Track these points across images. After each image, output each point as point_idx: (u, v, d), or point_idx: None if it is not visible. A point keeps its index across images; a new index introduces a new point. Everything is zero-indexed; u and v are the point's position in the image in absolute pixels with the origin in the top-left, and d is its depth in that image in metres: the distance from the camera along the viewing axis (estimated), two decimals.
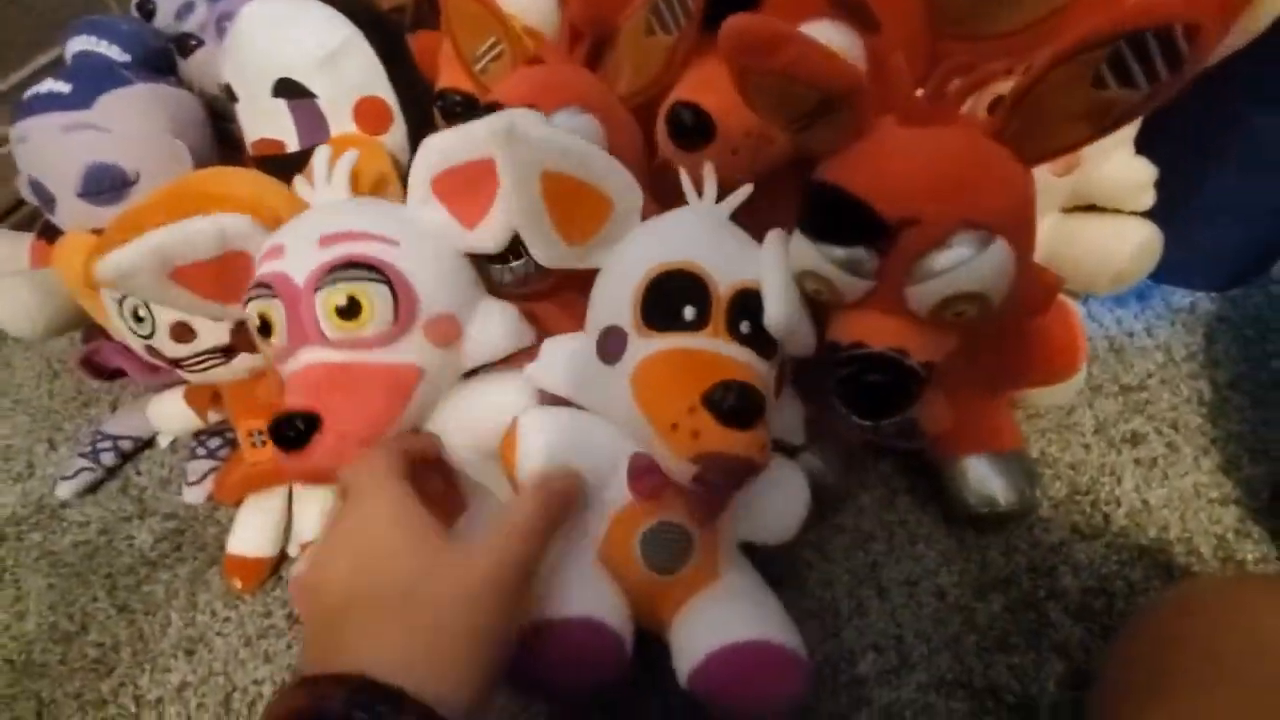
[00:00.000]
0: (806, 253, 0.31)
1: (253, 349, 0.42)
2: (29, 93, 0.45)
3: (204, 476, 0.49)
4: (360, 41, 0.44)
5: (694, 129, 0.38)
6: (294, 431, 0.31)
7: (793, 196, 0.38)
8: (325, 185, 0.38)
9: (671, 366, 0.31)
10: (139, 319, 0.42)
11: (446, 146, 0.36)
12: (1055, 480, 0.43)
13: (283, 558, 0.46)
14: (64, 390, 0.60)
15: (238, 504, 0.47)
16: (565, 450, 0.34)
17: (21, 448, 0.56)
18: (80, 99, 0.45)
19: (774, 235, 0.35)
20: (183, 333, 0.41)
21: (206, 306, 0.36)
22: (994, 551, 0.41)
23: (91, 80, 0.45)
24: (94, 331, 0.52)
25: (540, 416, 0.35)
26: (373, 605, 0.25)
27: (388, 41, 0.45)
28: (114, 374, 0.50)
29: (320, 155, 0.39)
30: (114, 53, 0.49)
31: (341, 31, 0.43)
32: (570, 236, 0.34)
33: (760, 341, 0.32)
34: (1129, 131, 0.39)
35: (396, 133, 0.46)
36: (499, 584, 0.27)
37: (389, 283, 0.33)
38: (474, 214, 0.36)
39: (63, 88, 0.45)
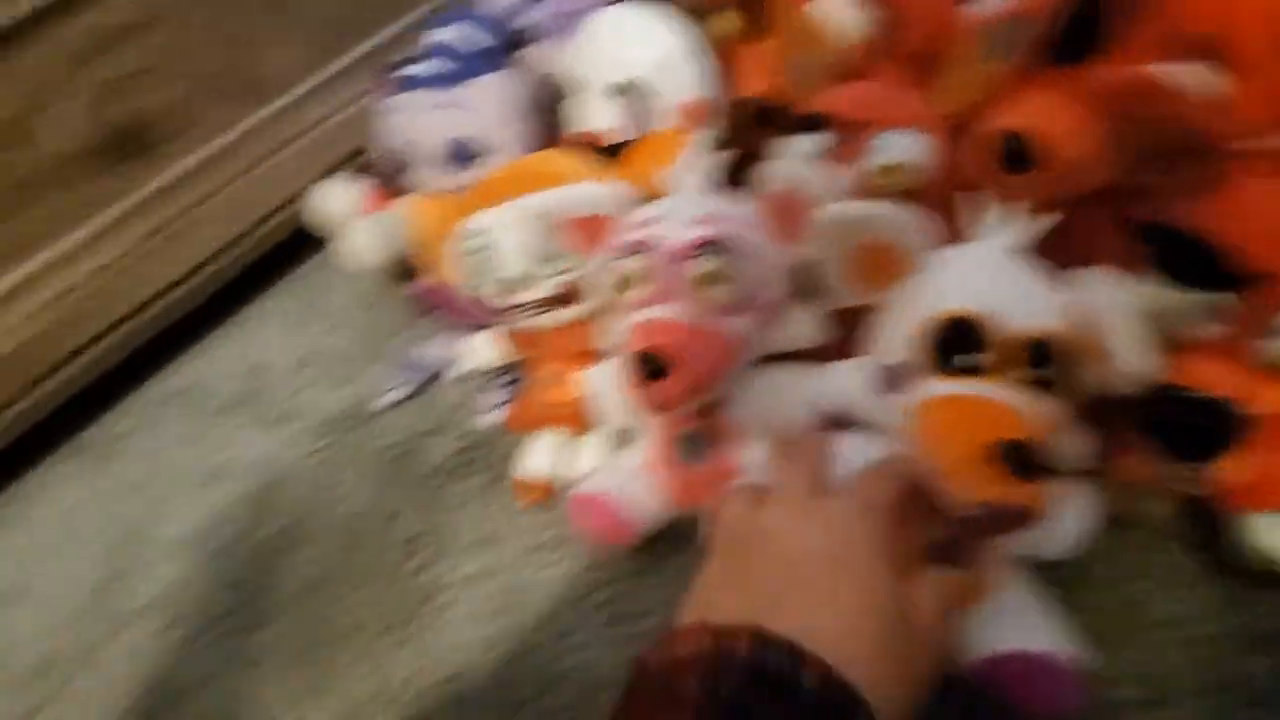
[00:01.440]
0: (1163, 296, 0.32)
1: (575, 302, 0.49)
2: (409, 69, 0.55)
3: (497, 406, 0.58)
4: (695, 46, 0.49)
5: (1021, 157, 0.40)
6: (655, 366, 0.38)
7: (1094, 228, 0.40)
8: (692, 174, 0.44)
9: (954, 413, 0.33)
10: (485, 269, 0.50)
11: (784, 175, 0.41)
12: None
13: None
14: (379, 317, 0.71)
15: (527, 432, 0.55)
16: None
17: (343, 360, 0.69)
18: (453, 80, 0.54)
19: (1102, 276, 0.36)
20: (521, 285, 0.49)
21: (574, 253, 0.44)
22: (1266, 606, 0.40)
23: (466, 64, 0.54)
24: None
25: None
26: (826, 588, 0.27)
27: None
28: (437, 307, 0.61)
29: (691, 146, 0.45)
30: (482, 38, 0.57)
31: (681, 37, 0.49)
32: (870, 284, 0.38)
33: (1050, 384, 0.33)
34: None
35: (710, 130, 0.51)
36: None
37: (745, 261, 0.39)
38: (787, 235, 0.41)
39: (440, 68, 0.54)
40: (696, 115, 0.50)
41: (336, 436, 0.63)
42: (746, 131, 0.51)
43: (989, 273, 0.36)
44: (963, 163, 0.43)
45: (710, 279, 0.39)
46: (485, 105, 0.54)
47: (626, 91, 0.50)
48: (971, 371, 0.34)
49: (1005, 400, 0.33)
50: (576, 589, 0.49)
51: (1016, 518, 0.33)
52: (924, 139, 0.42)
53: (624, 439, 0.50)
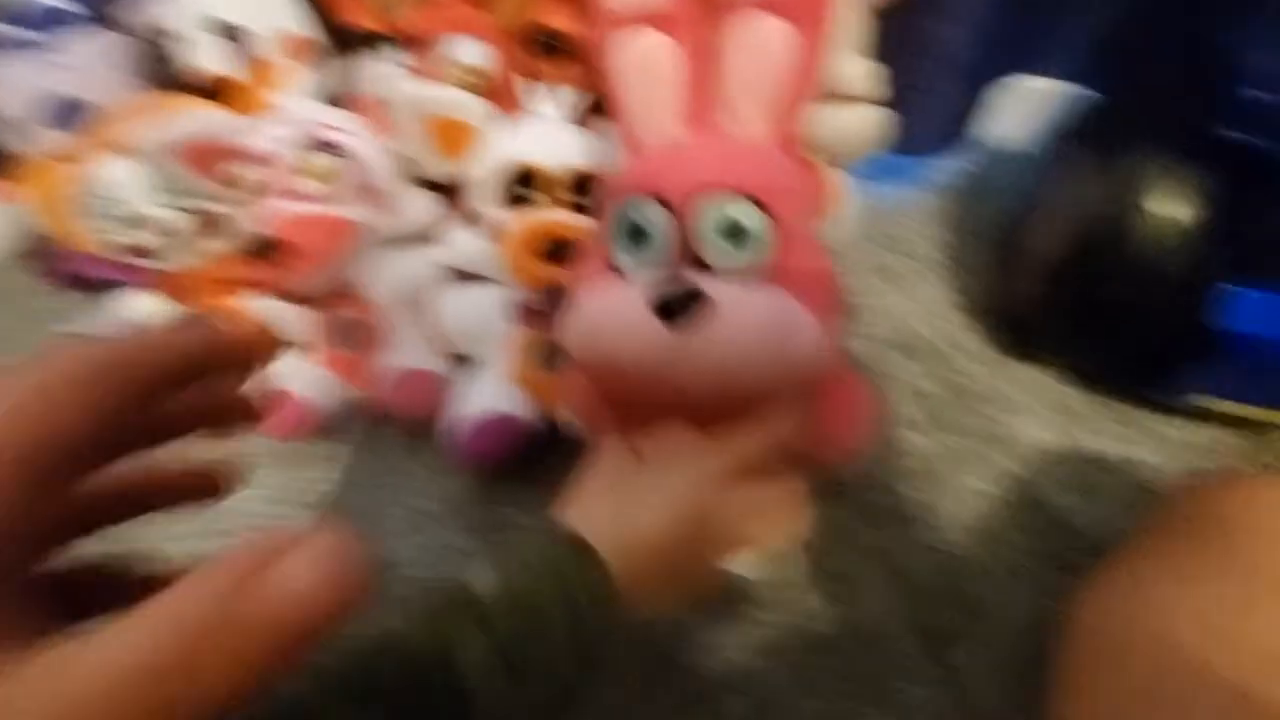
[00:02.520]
0: None
1: (213, 233, 0.52)
2: None
3: None
4: None
5: (551, 45, 0.51)
6: (271, 249, 0.45)
7: None
8: (297, 93, 0.50)
9: (520, 233, 0.44)
10: (108, 216, 0.51)
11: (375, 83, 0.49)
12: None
13: None
14: (25, 308, 0.67)
15: None
16: (472, 313, 0.49)
17: None
18: (45, 35, 0.53)
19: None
20: (148, 224, 0.51)
21: (198, 182, 0.48)
22: None
23: (57, 18, 0.54)
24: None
25: (451, 296, 0.49)
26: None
27: None
28: (84, 279, 0.59)
29: (296, 71, 0.51)
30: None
31: None
32: (453, 156, 0.47)
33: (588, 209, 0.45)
34: (857, 35, 0.55)
35: (317, 63, 0.57)
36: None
37: (349, 159, 0.46)
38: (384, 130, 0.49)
39: (28, 26, 0.53)
40: (298, 50, 0.55)
41: None
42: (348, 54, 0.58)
43: (540, 133, 0.47)
44: (519, 59, 0.54)
45: (319, 175, 0.46)
46: (85, 60, 0.54)
47: (226, 33, 0.53)
48: (536, 204, 0.45)
49: (557, 217, 0.45)
50: (289, 491, 0.53)
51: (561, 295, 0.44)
52: (484, 45, 0.51)
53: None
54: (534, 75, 0.52)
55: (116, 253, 0.53)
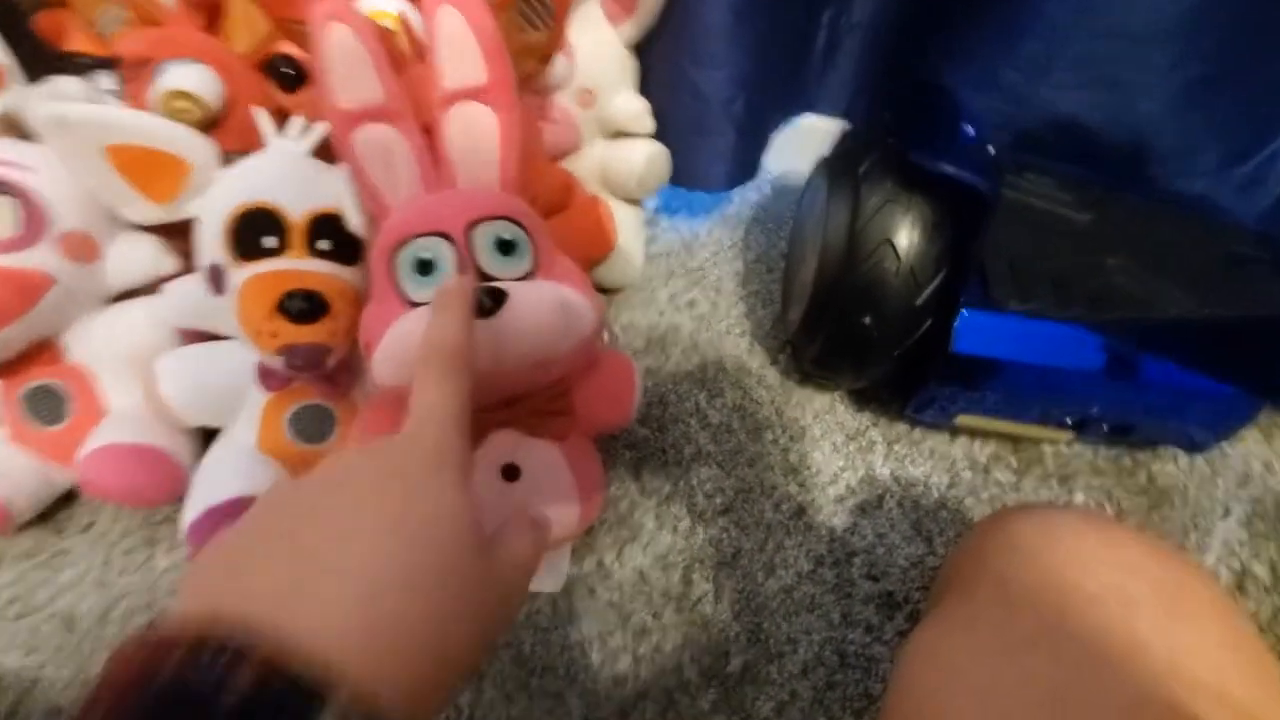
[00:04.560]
0: None
1: None
2: None
3: None
4: None
5: (292, 77, 0.47)
6: None
7: None
8: None
9: (255, 287, 0.39)
10: None
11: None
12: (639, 338, 0.59)
13: None
14: None
15: None
16: (202, 378, 0.42)
17: None
18: None
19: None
20: None
21: None
22: None
23: None
24: None
25: (171, 360, 0.42)
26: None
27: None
28: None
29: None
30: None
31: None
32: (156, 197, 0.41)
33: (342, 254, 0.41)
34: (624, 74, 0.55)
35: (14, 90, 0.49)
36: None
37: (15, 196, 0.39)
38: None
39: None
40: None
41: None
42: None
43: (275, 170, 0.42)
44: (258, 91, 0.49)
45: None
46: None
47: None
48: (272, 253, 0.40)
49: (295, 267, 0.40)
50: None
51: (314, 352, 0.39)
52: (205, 69, 0.46)
53: None
54: (273, 107, 0.47)
55: None
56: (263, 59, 0.48)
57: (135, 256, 0.44)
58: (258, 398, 0.42)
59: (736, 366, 0.58)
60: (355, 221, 0.42)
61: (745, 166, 0.63)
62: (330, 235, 0.41)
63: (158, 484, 0.42)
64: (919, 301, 0.45)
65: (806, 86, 0.64)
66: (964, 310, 0.44)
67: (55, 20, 0.52)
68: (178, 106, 0.45)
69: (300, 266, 0.40)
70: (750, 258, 0.66)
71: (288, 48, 0.47)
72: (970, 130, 0.46)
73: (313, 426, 0.43)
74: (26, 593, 0.44)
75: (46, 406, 0.43)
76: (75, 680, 0.40)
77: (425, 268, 0.36)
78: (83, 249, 0.42)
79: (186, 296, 0.42)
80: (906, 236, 0.45)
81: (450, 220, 0.36)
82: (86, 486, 0.40)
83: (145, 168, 0.40)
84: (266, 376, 0.42)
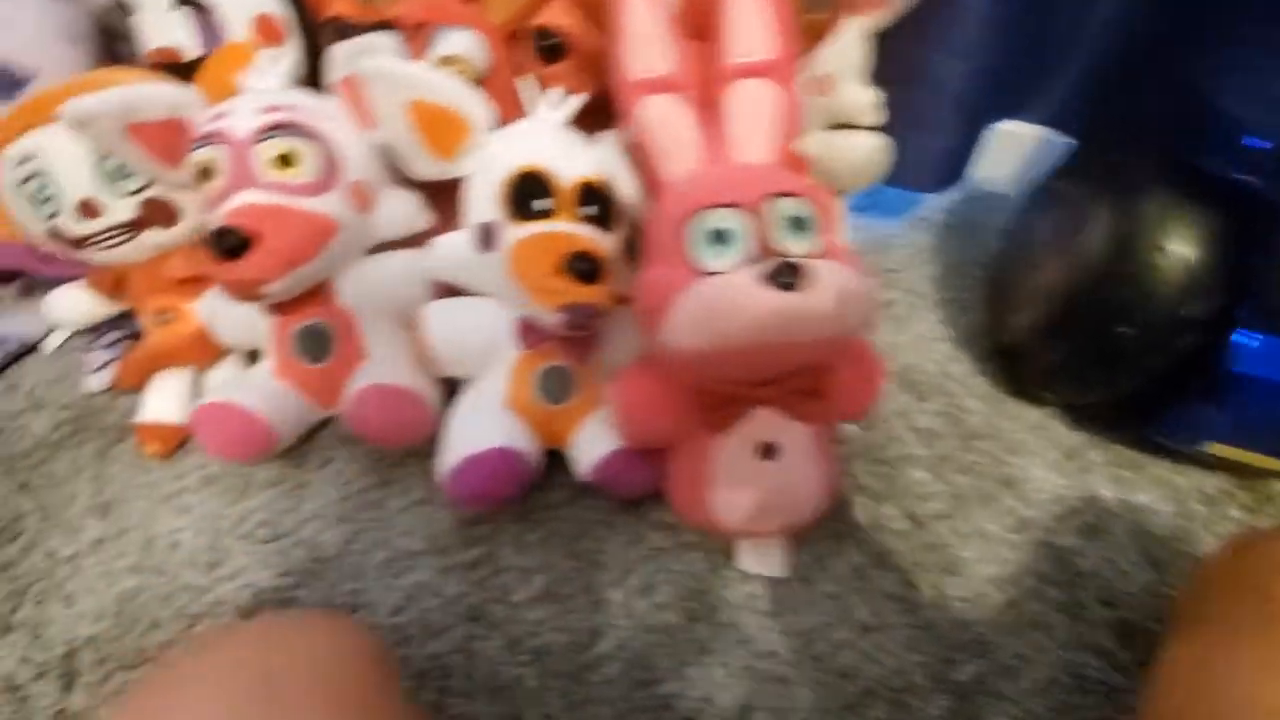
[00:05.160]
0: None
1: (162, 224, 0.46)
2: None
3: (105, 365, 0.52)
4: None
5: (552, 49, 0.48)
6: (233, 242, 0.38)
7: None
8: (267, 74, 0.45)
9: (535, 246, 0.40)
10: (44, 200, 0.45)
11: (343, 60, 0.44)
12: None
13: None
14: None
15: (140, 386, 0.50)
16: (465, 330, 0.44)
17: None
18: None
19: (610, 138, 0.45)
20: (89, 209, 0.45)
21: (150, 164, 0.42)
22: None
23: None
24: None
25: (439, 309, 0.44)
26: None
27: None
28: (5, 275, 0.52)
29: (266, 52, 0.46)
30: None
31: None
32: (441, 153, 0.43)
33: (603, 221, 0.42)
34: (861, 63, 0.54)
35: (289, 48, 0.52)
36: None
37: (319, 143, 0.42)
38: (364, 117, 0.45)
39: None
40: (270, 31, 0.51)
41: None
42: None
43: (544, 138, 0.44)
44: (517, 61, 0.51)
45: (282, 160, 0.41)
46: (19, 20, 0.48)
47: (192, 7, 0.48)
48: (543, 215, 0.41)
49: (569, 229, 0.41)
50: (225, 521, 0.46)
51: (593, 311, 0.40)
52: (476, 36, 0.48)
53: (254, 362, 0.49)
54: (533, 78, 0.49)
55: (48, 242, 0.46)
56: (524, 31, 0.50)
57: (401, 210, 0.47)
58: (510, 355, 0.44)
59: (941, 372, 0.56)
60: (625, 190, 0.43)
61: (955, 169, 0.61)
62: (595, 202, 0.42)
63: (414, 425, 0.44)
64: (1187, 313, 0.42)
65: (1024, 89, 0.62)
66: (1244, 329, 0.41)
67: None
68: (450, 70, 0.47)
69: (572, 230, 0.41)
70: (946, 263, 0.64)
71: (549, 17, 0.49)
72: (1255, 139, 0.43)
73: (557, 386, 0.44)
74: (274, 518, 0.47)
75: (314, 344, 0.45)
76: (326, 603, 0.43)
77: (720, 237, 0.36)
78: (364, 198, 0.44)
79: (453, 250, 0.44)
80: (1182, 244, 0.42)
81: (746, 193, 0.36)
82: (352, 421, 0.43)
83: (437, 125, 0.42)
84: (527, 333, 0.43)
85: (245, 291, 0.40)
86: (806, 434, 0.40)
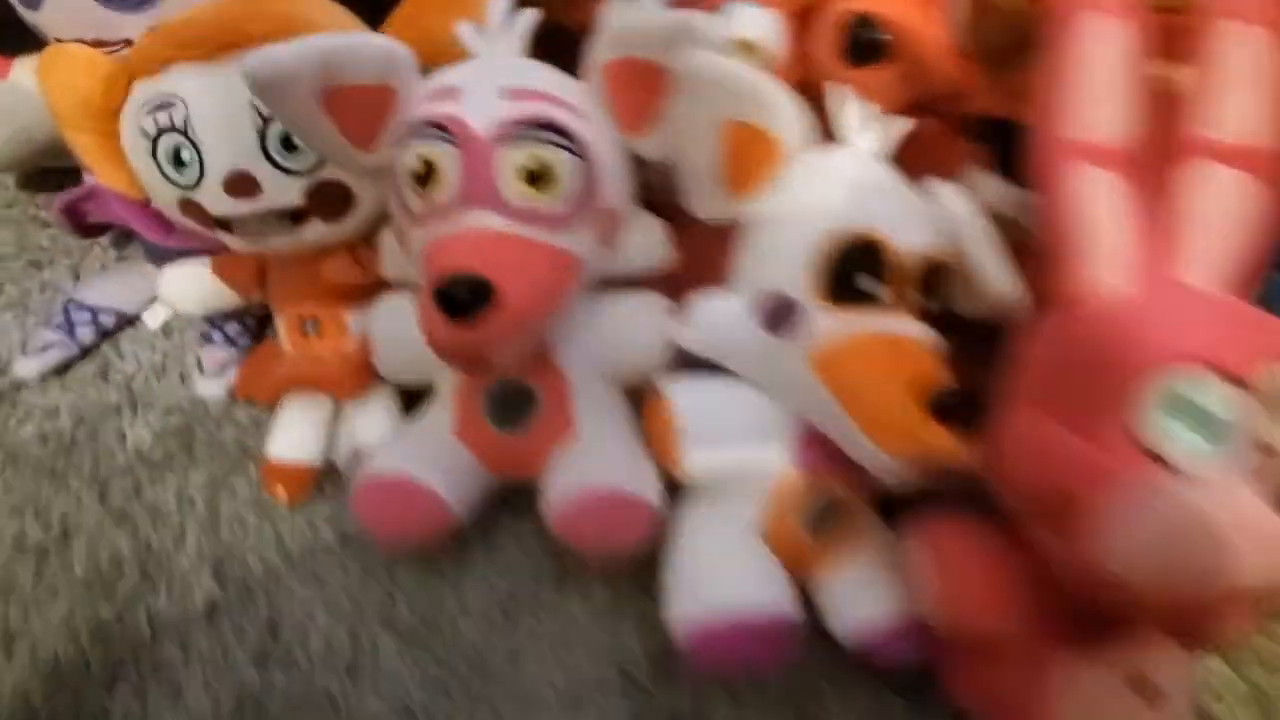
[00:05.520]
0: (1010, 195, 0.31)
1: (328, 217, 0.35)
2: None
3: (224, 368, 0.41)
4: None
5: (873, 46, 0.35)
6: (467, 297, 0.27)
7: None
8: (502, 35, 0.32)
9: (875, 355, 0.29)
10: (181, 163, 0.33)
11: (629, 40, 0.31)
12: None
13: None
14: (7, 239, 0.47)
15: (269, 403, 0.40)
16: (724, 426, 0.32)
17: None
18: None
19: (954, 189, 0.32)
20: (243, 185, 0.33)
21: (341, 144, 0.30)
22: None
23: None
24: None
25: (694, 390, 0.32)
26: None
27: None
28: (97, 229, 0.41)
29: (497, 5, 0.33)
30: None
31: None
32: (739, 186, 0.31)
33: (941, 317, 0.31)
34: None
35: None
36: None
37: (582, 157, 0.29)
38: (637, 117, 0.32)
39: None
40: None
41: None
42: None
43: (874, 185, 0.31)
44: (811, 52, 0.38)
45: (534, 175, 0.29)
46: None
47: None
48: (872, 301, 0.30)
49: (916, 336, 0.30)
50: (367, 603, 0.37)
51: (960, 473, 0.29)
52: (775, 16, 0.35)
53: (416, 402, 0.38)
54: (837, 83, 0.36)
55: (176, 212, 0.35)
56: (827, 14, 0.37)
57: (647, 244, 0.35)
58: (775, 468, 0.32)
59: None
60: (994, 282, 0.30)
61: None
62: (936, 292, 0.31)
63: (635, 534, 0.32)
64: None
65: None
66: None
67: None
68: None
69: (920, 335, 0.30)
70: None
71: (880, 7, 0.36)
72: None
73: (827, 518, 0.33)
74: (427, 609, 0.37)
75: (512, 407, 0.34)
76: None
77: (1192, 411, 0.24)
78: (613, 229, 0.33)
79: (724, 322, 0.32)
80: None
81: (1241, 352, 0.25)
82: (562, 529, 0.32)
83: (746, 151, 0.30)
84: (809, 449, 0.32)
85: (476, 361, 0.29)
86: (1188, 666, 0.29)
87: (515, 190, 0.29)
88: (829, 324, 0.30)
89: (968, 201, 0.31)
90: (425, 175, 0.29)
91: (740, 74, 0.28)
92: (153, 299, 0.44)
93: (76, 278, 0.46)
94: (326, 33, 0.31)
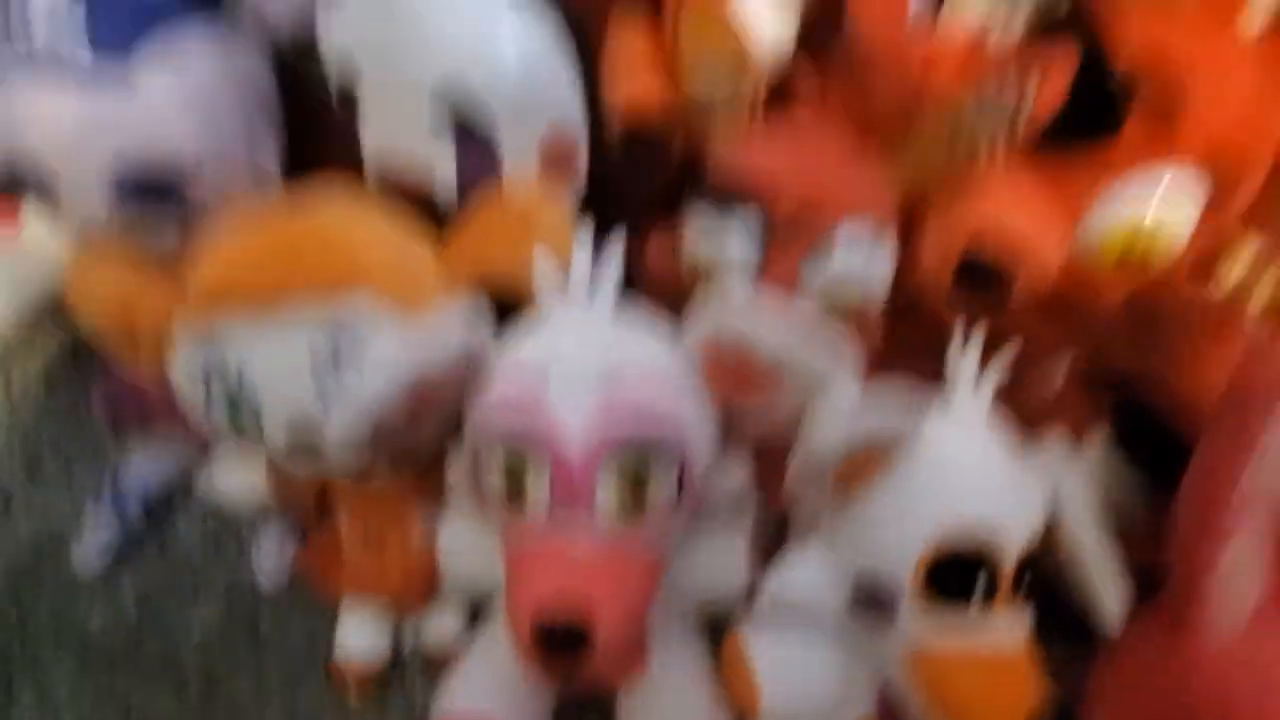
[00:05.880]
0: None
1: (394, 469, 0.33)
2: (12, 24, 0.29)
3: (282, 555, 0.40)
4: (564, 46, 0.31)
5: (986, 276, 0.31)
6: (564, 639, 0.26)
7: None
8: (588, 296, 0.30)
9: (977, 682, 0.28)
10: (236, 410, 0.31)
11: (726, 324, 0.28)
12: None
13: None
14: (49, 411, 0.45)
15: (333, 594, 0.39)
16: (804, 688, 0.32)
17: None
18: (109, 52, 0.29)
19: (1069, 462, 0.30)
20: (305, 445, 0.31)
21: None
22: None
23: (122, 23, 0.29)
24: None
25: (774, 648, 0.32)
26: None
27: (584, 39, 0.32)
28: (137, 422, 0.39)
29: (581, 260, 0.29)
30: None
31: (544, 32, 0.30)
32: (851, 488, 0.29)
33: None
34: None
35: (579, 169, 0.34)
36: None
37: (678, 458, 0.28)
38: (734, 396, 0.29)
39: (74, 31, 0.29)
40: (563, 156, 0.33)
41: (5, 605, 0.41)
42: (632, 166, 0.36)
43: (984, 472, 0.29)
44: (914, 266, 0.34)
45: (630, 493, 0.27)
46: (176, 100, 0.30)
47: (450, 101, 0.30)
48: (974, 604, 0.28)
49: (1014, 648, 0.29)
50: None
51: None
52: (885, 244, 0.31)
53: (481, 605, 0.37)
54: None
55: (230, 437, 0.33)
56: (955, 237, 0.32)
57: (724, 478, 0.33)
58: None
59: None
60: (1096, 586, 0.29)
61: None
62: (1023, 583, 0.29)
63: None
64: None
65: None
66: None
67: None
68: (836, 299, 0.31)
69: (1013, 646, 0.29)
70: None
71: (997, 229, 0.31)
72: None
73: None
74: None
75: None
76: None
77: None
78: (695, 509, 0.31)
79: (810, 587, 0.31)
80: None
81: None
82: None
83: (863, 470, 0.28)
84: (888, 712, 0.32)
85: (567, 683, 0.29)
86: None
87: (610, 509, 0.27)
88: (927, 624, 0.29)
89: (1080, 477, 0.30)
90: (512, 487, 0.28)
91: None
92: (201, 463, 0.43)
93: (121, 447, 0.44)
94: (376, 264, 0.28)
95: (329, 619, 0.39)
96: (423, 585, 0.37)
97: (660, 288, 0.36)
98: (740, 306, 0.28)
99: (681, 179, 0.34)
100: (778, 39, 0.33)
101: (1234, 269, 0.35)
